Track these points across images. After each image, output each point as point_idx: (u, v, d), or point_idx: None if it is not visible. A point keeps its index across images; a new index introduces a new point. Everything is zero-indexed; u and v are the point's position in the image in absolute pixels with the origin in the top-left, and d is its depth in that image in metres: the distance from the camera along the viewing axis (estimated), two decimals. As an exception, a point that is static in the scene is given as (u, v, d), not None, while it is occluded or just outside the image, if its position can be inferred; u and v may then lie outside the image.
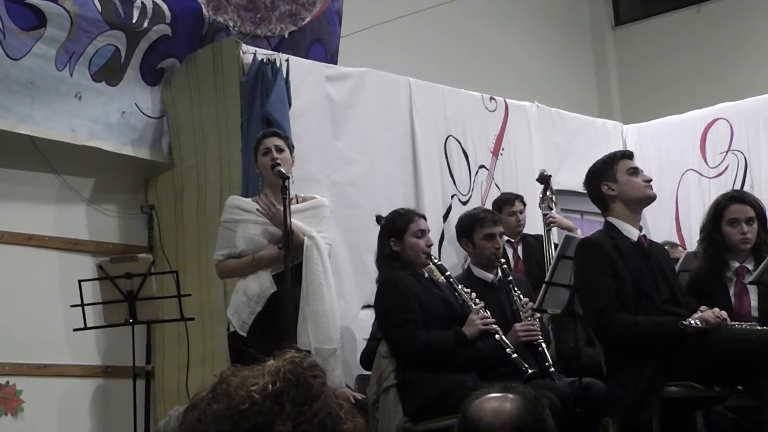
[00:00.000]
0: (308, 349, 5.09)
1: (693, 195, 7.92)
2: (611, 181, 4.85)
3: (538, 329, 5.39)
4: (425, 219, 5.46)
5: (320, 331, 5.24)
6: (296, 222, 5.19)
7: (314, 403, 1.62)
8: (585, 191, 5.05)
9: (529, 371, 5.01)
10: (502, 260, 5.68)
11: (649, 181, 4.92)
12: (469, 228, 5.69)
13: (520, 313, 5.47)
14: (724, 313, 4.61)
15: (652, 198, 4.98)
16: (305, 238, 5.27)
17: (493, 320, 5.18)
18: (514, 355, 5.08)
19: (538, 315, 5.51)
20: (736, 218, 5.12)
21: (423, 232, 5.32)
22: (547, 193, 6.75)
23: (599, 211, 5.04)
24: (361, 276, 6.21)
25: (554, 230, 6.66)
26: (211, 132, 6.31)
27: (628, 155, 5.03)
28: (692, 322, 4.53)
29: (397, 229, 5.30)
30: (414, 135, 6.84)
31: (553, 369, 5.27)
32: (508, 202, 6.68)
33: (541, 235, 6.65)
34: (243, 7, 6.64)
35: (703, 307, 4.66)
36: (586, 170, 5.04)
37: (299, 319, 5.19)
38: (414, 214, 5.42)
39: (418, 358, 5.04)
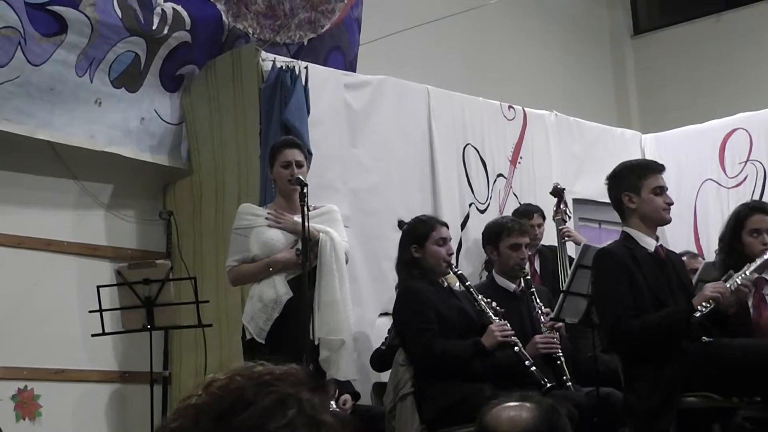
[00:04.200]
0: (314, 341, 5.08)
1: (711, 205, 7.89)
2: (634, 193, 4.80)
3: (558, 342, 5.37)
4: (447, 227, 5.43)
5: (329, 321, 5.20)
6: (311, 224, 5.17)
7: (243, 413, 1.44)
8: (603, 200, 5.02)
9: (548, 385, 4.98)
10: (526, 271, 5.64)
11: (671, 204, 4.88)
12: (496, 236, 5.65)
13: (541, 324, 5.45)
14: (721, 284, 4.60)
15: (667, 222, 4.96)
16: (320, 234, 5.26)
17: (513, 332, 5.14)
18: (533, 368, 5.04)
19: (559, 325, 5.48)
20: (757, 228, 5.09)
21: (444, 240, 5.30)
22: (561, 207, 6.71)
23: (617, 220, 5.02)
24: (378, 283, 6.21)
25: (568, 244, 6.61)
26: (230, 138, 6.32)
27: (660, 170, 4.95)
28: (702, 309, 4.51)
29: (419, 235, 5.29)
30: (432, 143, 6.84)
31: (570, 383, 5.25)
32: (527, 214, 6.55)
33: (555, 246, 6.60)
34: (262, 14, 6.66)
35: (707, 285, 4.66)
36: (603, 179, 5.00)
37: (314, 310, 5.17)
38: (436, 222, 5.40)
39: (436, 367, 5.02)
